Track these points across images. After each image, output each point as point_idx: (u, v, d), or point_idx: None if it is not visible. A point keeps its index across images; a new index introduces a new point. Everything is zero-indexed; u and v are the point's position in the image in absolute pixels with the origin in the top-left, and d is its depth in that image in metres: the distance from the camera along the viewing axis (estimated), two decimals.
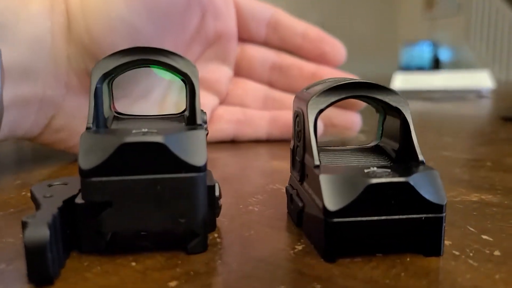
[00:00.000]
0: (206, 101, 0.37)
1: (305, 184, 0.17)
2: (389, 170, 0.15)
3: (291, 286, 0.14)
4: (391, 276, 0.14)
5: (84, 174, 0.15)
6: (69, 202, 0.15)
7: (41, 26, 0.26)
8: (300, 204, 0.17)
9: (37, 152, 0.35)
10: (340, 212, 0.14)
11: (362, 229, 0.15)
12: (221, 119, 0.37)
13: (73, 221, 0.15)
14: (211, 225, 0.17)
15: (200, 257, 0.15)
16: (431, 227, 0.15)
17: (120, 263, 0.15)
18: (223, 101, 0.39)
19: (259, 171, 0.29)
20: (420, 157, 0.16)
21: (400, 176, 0.15)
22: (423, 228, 0.15)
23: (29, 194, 0.17)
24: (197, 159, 0.15)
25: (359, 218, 0.15)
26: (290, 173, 0.20)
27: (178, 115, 0.19)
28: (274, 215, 0.20)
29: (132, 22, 0.26)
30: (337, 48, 0.39)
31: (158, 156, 0.15)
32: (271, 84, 0.40)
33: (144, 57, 0.18)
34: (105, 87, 0.18)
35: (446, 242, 0.16)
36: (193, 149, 0.15)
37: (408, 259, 0.15)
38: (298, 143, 0.18)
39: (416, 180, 0.15)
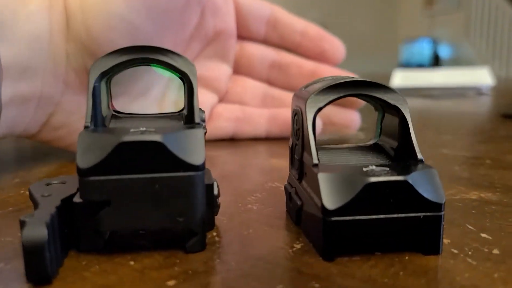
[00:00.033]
0: (205, 99, 0.36)
1: (303, 182, 0.17)
2: (387, 169, 0.15)
3: (290, 285, 0.13)
4: (390, 275, 0.14)
5: (82, 173, 0.15)
6: (67, 201, 0.15)
7: (40, 24, 0.26)
8: (299, 203, 0.17)
9: (36, 150, 0.35)
10: (338, 211, 0.14)
11: (361, 228, 0.15)
12: (220, 117, 0.37)
13: (71, 220, 0.15)
14: (210, 224, 0.17)
15: (199, 256, 0.15)
16: (430, 226, 0.15)
17: (119, 262, 0.15)
18: (222, 99, 0.39)
19: (258, 169, 0.29)
20: (419, 156, 0.16)
21: (399, 174, 0.15)
22: (422, 227, 0.15)
23: (28, 193, 0.17)
24: (195, 158, 0.15)
25: (357, 217, 0.15)
26: (289, 171, 0.20)
27: (177, 113, 0.19)
28: (273, 213, 0.20)
29: (131, 20, 0.26)
30: (336, 46, 0.39)
31: (156, 155, 0.15)
32: (270, 82, 0.40)
33: (142, 55, 0.18)
34: (103, 85, 0.18)
35: (445, 241, 0.16)
36: (191, 148, 0.15)
37: (406, 257, 0.15)
38: (296, 142, 0.18)
39: (415, 179, 0.15)
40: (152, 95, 0.32)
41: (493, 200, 0.21)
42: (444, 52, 3.52)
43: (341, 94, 0.17)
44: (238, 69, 0.39)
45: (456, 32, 3.40)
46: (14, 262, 0.15)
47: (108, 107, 0.19)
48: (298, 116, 0.18)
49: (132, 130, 0.16)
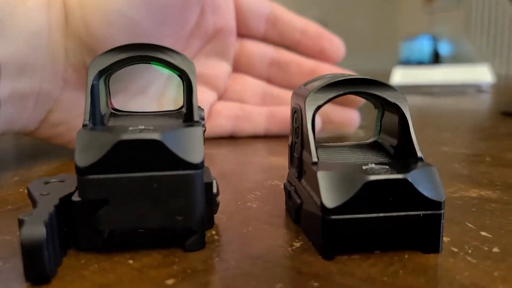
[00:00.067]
0: (204, 97, 0.36)
1: (303, 180, 0.17)
2: (387, 167, 0.15)
3: (289, 284, 0.13)
4: (389, 273, 0.14)
5: (81, 172, 0.15)
6: (66, 200, 0.15)
7: (38, 21, 0.26)
8: (298, 201, 0.17)
9: (36, 148, 0.35)
10: (338, 209, 0.14)
11: (360, 226, 0.15)
12: (219, 115, 0.37)
13: (70, 218, 0.15)
14: (209, 222, 0.17)
15: (198, 255, 0.15)
16: (430, 224, 0.15)
17: (117, 260, 0.15)
18: (221, 97, 0.39)
19: (257, 167, 0.29)
20: (419, 154, 0.16)
21: (398, 173, 0.15)
22: (422, 225, 0.15)
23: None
24: (194, 156, 0.15)
25: (357, 215, 0.15)
26: (288, 169, 0.20)
27: (176, 111, 0.19)
28: (273, 211, 0.20)
29: (131, 16, 0.26)
30: (336, 44, 0.39)
31: (155, 153, 0.15)
32: (269, 80, 0.40)
33: (140, 53, 0.17)
34: (101, 84, 0.18)
35: (445, 239, 0.16)
36: (190, 146, 0.15)
37: (406, 256, 0.15)
38: (296, 140, 0.18)
39: (415, 177, 0.15)
40: (151, 93, 0.32)
41: (493, 198, 0.21)
42: (444, 49, 3.52)
43: (341, 92, 0.17)
44: (238, 67, 0.39)
45: (456, 29, 3.40)
46: (13, 261, 0.15)
47: (107, 105, 0.19)
48: (297, 114, 0.18)
49: (130, 128, 0.15)
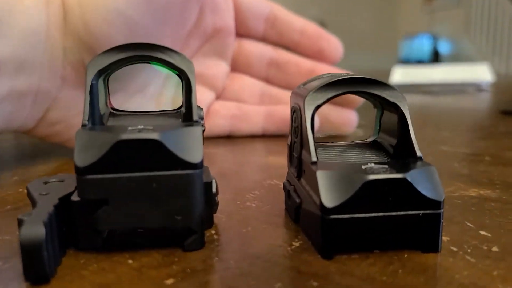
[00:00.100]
0: (203, 96, 0.36)
1: (302, 180, 0.17)
2: (386, 166, 0.15)
3: (288, 284, 0.13)
4: (389, 273, 0.14)
5: (80, 172, 0.15)
6: (65, 200, 0.15)
7: (37, 19, 0.26)
8: (298, 200, 0.17)
9: (36, 148, 0.35)
10: (337, 209, 0.14)
11: (360, 226, 0.15)
12: (217, 114, 0.37)
13: (69, 218, 0.15)
14: (209, 222, 0.17)
15: (197, 254, 0.15)
16: (429, 224, 0.15)
17: (117, 260, 0.15)
18: (219, 97, 0.39)
19: (256, 167, 0.29)
20: (418, 153, 0.16)
21: (398, 172, 0.15)
22: (421, 225, 0.15)
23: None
24: (193, 156, 0.15)
25: (356, 215, 0.15)
26: (287, 169, 0.20)
27: (175, 111, 0.19)
28: (272, 211, 0.20)
29: (130, 15, 0.26)
30: (334, 45, 0.39)
31: (154, 153, 0.15)
32: (268, 80, 0.40)
33: (140, 53, 0.17)
34: (100, 83, 0.18)
35: (444, 238, 0.16)
36: (189, 146, 0.15)
37: (405, 255, 0.15)
38: (295, 139, 0.18)
39: (414, 176, 0.15)
40: (149, 92, 0.32)
41: (492, 197, 0.21)
42: (444, 48, 3.52)
43: (340, 92, 0.17)
44: (236, 67, 0.39)
45: (456, 28, 3.39)
46: (13, 261, 0.15)
47: (106, 105, 0.19)
48: (296, 114, 0.18)
49: (130, 128, 0.15)
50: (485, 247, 0.16)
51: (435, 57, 3.43)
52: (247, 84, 0.39)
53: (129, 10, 0.26)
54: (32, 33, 0.25)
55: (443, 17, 3.51)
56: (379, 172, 0.15)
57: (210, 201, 0.16)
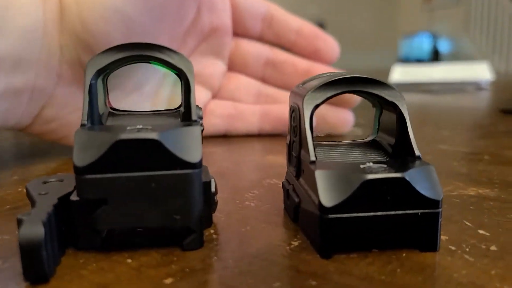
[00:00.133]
0: (200, 96, 0.36)
1: (301, 179, 0.17)
2: (385, 166, 0.15)
3: (287, 283, 0.13)
4: (387, 272, 0.14)
5: (79, 171, 0.15)
6: (64, 199, 0.15)
7: (33, 16, 0.26)
8: (296, 200, 0.17)
9: (35, 147, 0.35)
10: (335, 208, 0.14)
11: (358, 225, 0.15)
12: (213, 113, 0.37)
13: (68, 218, 0.15)
14: (208, 221, 0.17)
15: (196, 254, 0.15)
16: (427, 223, 0.15)
17: (116, 260, 0.15)
18: (215, 96, 0.39)
19: (255, 166, 0.29)
20: (417, 152, 0.16)
21: (396, 171, 0.15)
22: (419, 224, 0.15)
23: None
24: (192, 156, 0.15)
25: (354, 214, 0.15)
26: (286, 168, 0.20)
27: (174, 110, 0.19)
28: (271, 210, 0.20)
29: (127, 12, 0.26)
30: (330, 45, 0.39)
31: (153, 153, 0.15)
32: (264, 80, 0.40)
33: (139, 52, 0.17)
34: (99, 83, 0.18)
35: (443, 237, 0.16)
36: (188, 146, 0.15)
37: (404, 254, 0.15)
38: (294, 139, 0.18)
39: (412, 176, 0.15)
40: (146, 91, 0.32)
41: (491, 196, 0.21)
42: (444, 47, 3.52)
43: (338, 91, 0.17)
44: (233, 66, 0.39)
45: (456, 26, 3.39)
46: (12, 261, 0.15)
47: (105, 104, 0.19)
48: (295, 113, 0.18)
49: (128, 127, 0.16)
50: (484, 246, 0.16)
51: (435, 56, 3.43)
52: (244, 83, 0.39)
53: (126, 7, 0.26)
54: (29, 30, 0.25)
55: (442, 16, 3.51)
56: (377, 171, 0.15)
57: (209, 201, 0.17)
